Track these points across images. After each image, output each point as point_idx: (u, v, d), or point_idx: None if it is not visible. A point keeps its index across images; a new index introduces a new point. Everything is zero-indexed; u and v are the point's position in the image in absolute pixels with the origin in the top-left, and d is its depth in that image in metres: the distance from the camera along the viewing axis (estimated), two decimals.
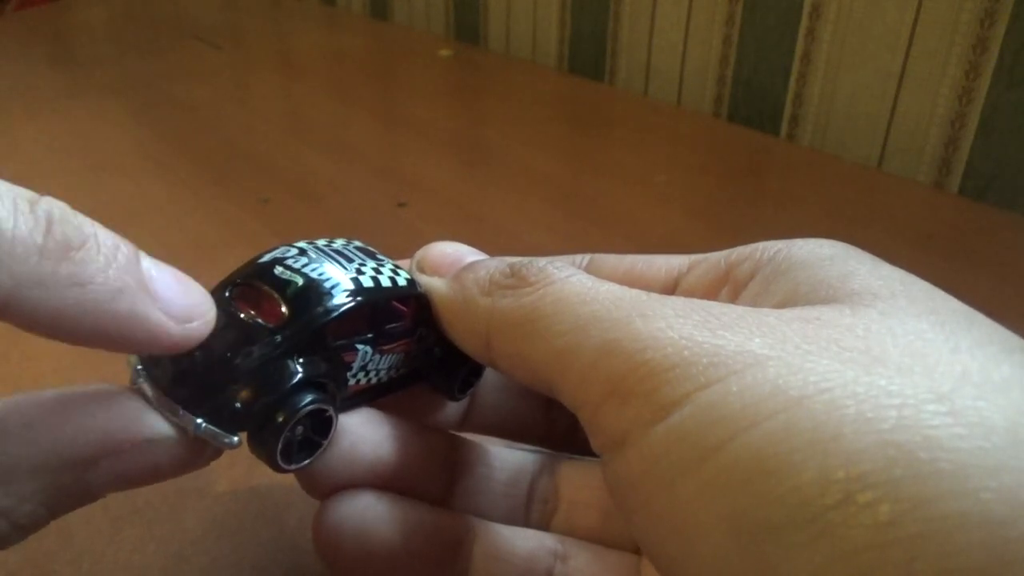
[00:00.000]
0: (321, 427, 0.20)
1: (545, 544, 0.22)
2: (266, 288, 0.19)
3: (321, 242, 0.21)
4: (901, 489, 0.12)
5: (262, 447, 0.19)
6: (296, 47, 0.79)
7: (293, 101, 0.66)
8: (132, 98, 0.65)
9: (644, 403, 0.15)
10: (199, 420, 0.18)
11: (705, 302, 0.17)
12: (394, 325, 0.21)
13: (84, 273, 0.15)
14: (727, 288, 0.20)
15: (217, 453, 0.19)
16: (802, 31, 0.55)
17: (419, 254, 0.23)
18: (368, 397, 0.22)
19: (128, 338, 0.16)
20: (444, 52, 0.75)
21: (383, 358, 0.21)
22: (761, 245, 0.20)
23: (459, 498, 0.23)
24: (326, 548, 0.20)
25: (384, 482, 0.21)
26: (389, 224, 0.46)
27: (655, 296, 0.17)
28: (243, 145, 0.56)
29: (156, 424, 0.18)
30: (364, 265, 0.21)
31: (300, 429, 0.19)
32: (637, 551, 0.23)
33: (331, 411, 0.19)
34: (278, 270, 0.20)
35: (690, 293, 0.21)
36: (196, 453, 0.18)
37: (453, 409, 0.24)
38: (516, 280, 0.19)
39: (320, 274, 0.20)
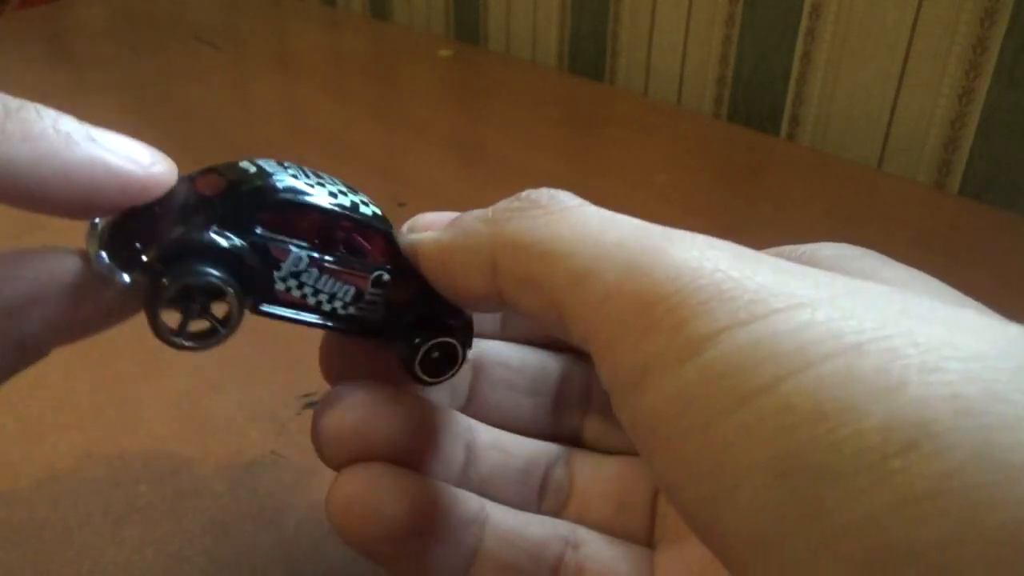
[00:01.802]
0: (227, 318, 0.19)
1: (558, 531, 0.22)
2: (222, 171, 0.20)
3: (309, 169, 0.21)
4: (967, 439, 0.11)
5: (147, 301, 0.19)
6: (296, 47, 0.79)
7: (293, 101, 0.66)
8: (132, 98, 0.65)
9: (671, 336, 0.14)
10: (101, 252, 0.18)
11: (737, 244, 0.16)
12: (347, 250, 0.20)
13: (31, 129, 0.17)
14: None
15: (127, 300, 0.19)
16: (802, 31, 0.55)
17: (409, 223, 0.22)
18: (303, 312, 0.21)
19: (95, 185, 0.17)
20: (444, 52, 0.75)
21: (324, 279, 0.20)
22: (786, 248, 0.20)
23: (473, 481, 0.23)
24: (338, 517, 0.20)
25: (400, 458, 0.21)
26: None
27: (682, 231, 0.16)
28: (243, 145, 0.56)
29: (77, 268, 0.18)
30: (335, 187, 0.21)
31: (196, 307, 0.19)
32: (650, 544, 0.23)
33: (231, 292, 0.19)
34: (244, 163, 0.20)
35: None
36: (103, 291, 0.18)
37: (450, 404, 0.24)
38: (527, 204, 0.18)
39: (279, 175, 0.20)
